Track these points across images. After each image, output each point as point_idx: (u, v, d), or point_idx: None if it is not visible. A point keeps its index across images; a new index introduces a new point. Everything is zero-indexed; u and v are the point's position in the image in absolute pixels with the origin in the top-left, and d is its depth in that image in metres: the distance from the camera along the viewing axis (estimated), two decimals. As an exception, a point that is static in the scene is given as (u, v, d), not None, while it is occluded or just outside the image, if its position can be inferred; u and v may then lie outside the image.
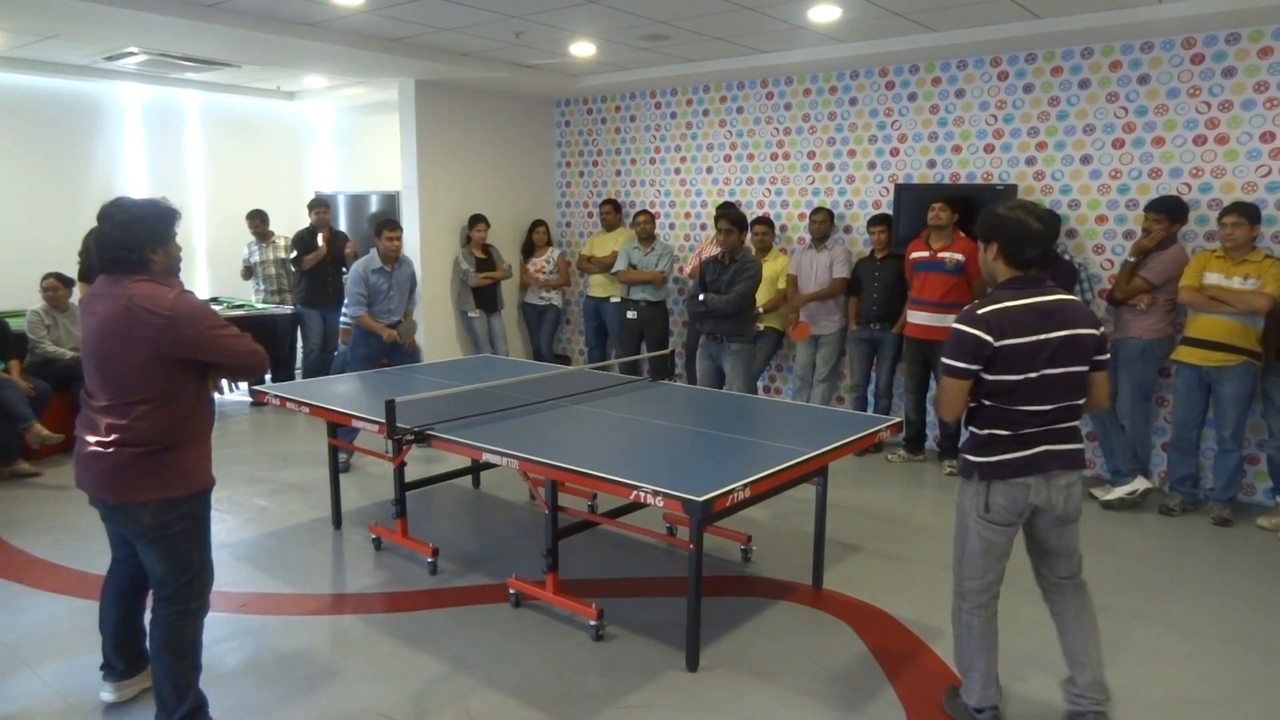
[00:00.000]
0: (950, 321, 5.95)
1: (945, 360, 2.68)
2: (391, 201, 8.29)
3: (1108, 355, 2.77)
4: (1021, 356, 2.59)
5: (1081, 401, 2.73)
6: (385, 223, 5.90)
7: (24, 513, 4.97)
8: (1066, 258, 5.51)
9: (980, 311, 2.63)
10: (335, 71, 7.32)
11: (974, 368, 2.62)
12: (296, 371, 7.98)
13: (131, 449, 2.58)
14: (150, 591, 2.81)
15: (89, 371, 2.66)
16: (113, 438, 2.58)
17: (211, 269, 8.88)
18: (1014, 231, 2.64)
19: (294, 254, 7.42)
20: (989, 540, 2.75)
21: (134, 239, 2.60)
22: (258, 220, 7.83)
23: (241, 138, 8.95)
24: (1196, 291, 4.80)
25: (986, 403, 2.68)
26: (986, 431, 2.70)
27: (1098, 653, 2.85)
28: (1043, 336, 2.60)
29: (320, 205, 7.41)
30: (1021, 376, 2.61)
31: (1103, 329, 2.73)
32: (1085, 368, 2.68)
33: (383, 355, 5.98)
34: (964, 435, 2.84)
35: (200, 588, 2.76)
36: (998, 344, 2.58)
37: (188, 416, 2.67)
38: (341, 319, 5.99)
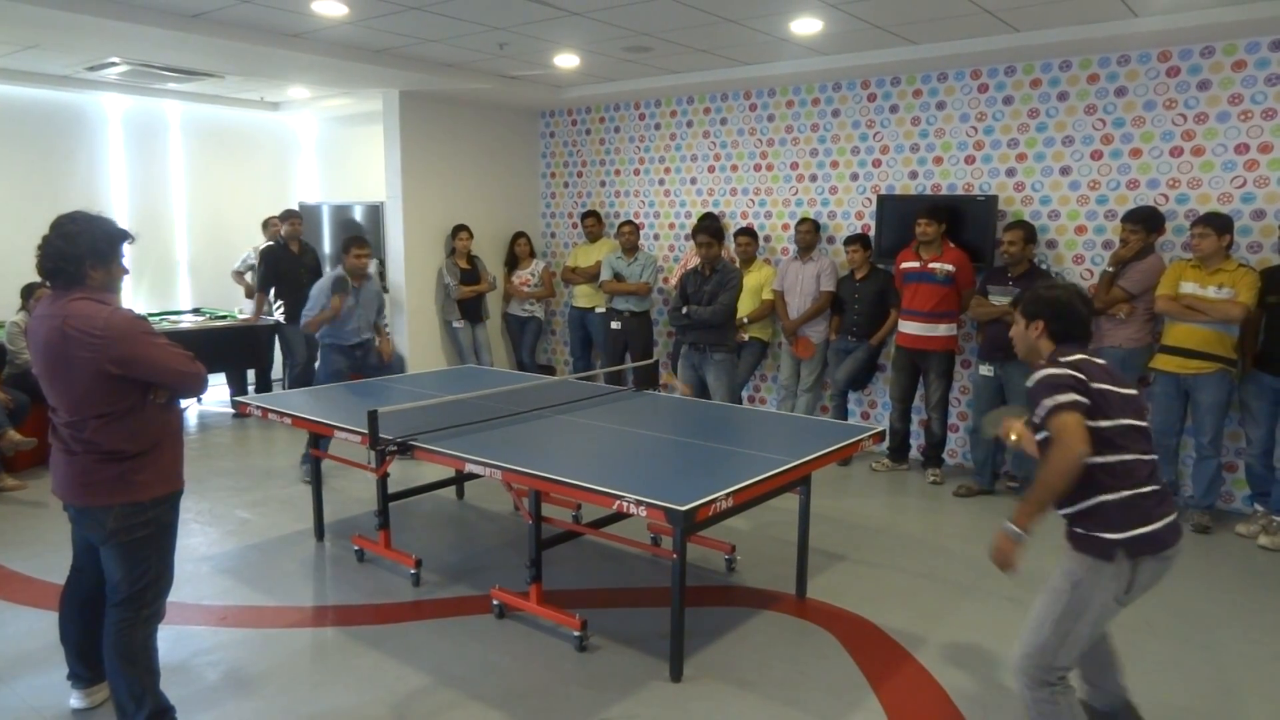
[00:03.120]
0: (941, 331, 6.04)
1: (1048, 403, 2.40)
2: (376, 212, 8.28)
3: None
4: (1118, 403, 2.45)
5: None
6: (353, 239, 5.71)
7: (2, 526, 4.91)
8: (1045, 268, 5.57)
9: (1062, 360, 2.50)
10: (319, 82, 7.32)
11: (1084, 400, 2.39)
12: (275, 383, 7.93)
13: (96, 456, 2.63)
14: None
15: (44, 391, 2.69)
16: (78, 448, 2.64)
17: (194, 280, 8.82)
18: (1061, 312, 2.59)
19: (259, 267, 7.32)
20: (1104, 621, 2.49)
21: (75, 251, 2.59)
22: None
23: (225, 148, 8.92)
24: (1173, 301, 4.86)
25: (1107, 459, 2.41)
26: (1123, 494, 2.40)
27: (1118, 664, 2.76)
28: (1119, 389, 2.48)
29: (293, 216, 7.37)
30: (1125, 422, 2.43)
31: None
32: (1146, 424, 2.54)
33: (352, 370, 5.76)
34: (1078, 510, 2.47)
35: (154, 595, 2.77)
36: (1095, 385, 2.42)
37: (149, 424, 2.69)
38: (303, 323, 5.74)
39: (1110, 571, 2.40)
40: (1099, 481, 2.41)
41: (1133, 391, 2.52)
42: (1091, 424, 2.39)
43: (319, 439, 4.66)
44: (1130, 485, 2.41)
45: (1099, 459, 2.40)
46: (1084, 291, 2.71)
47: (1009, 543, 2.46)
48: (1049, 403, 2.41)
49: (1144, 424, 2.49)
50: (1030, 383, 2.52)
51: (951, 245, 5.79)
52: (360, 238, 5.84)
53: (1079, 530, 2.46)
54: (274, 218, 7.78)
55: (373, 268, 8.36)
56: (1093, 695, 2.73)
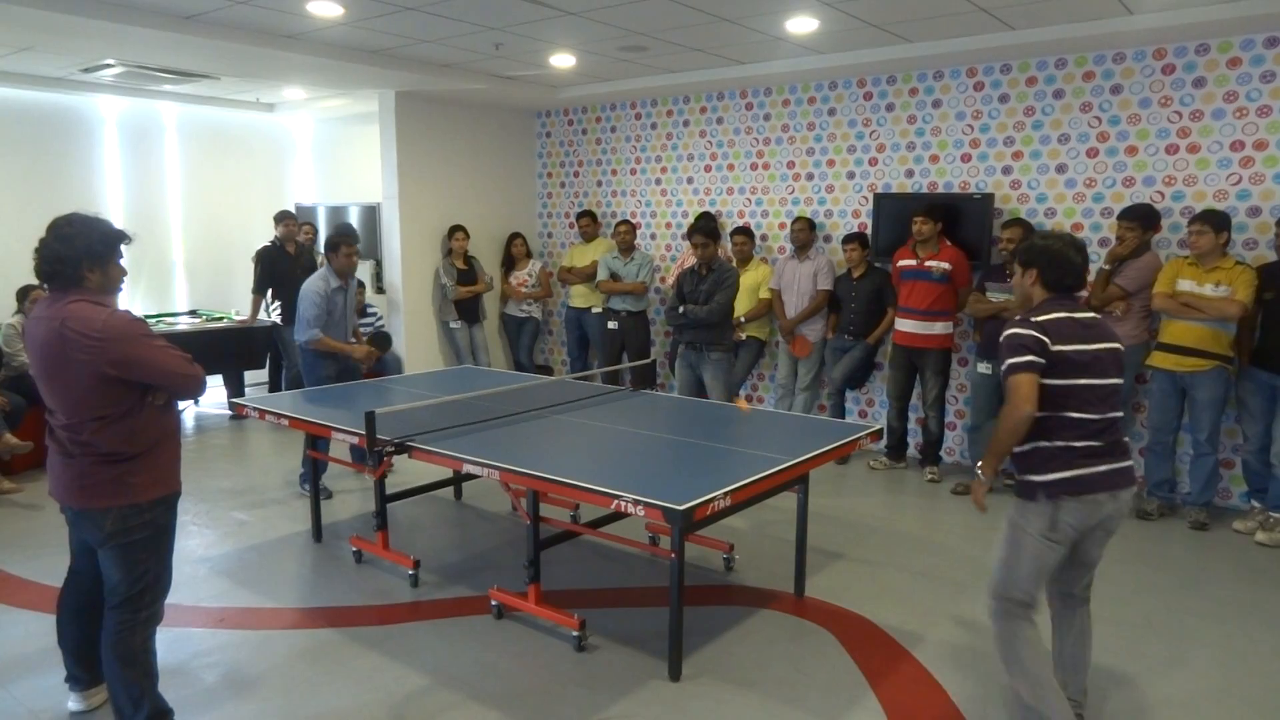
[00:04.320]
0: (937, 329, 6.06)
1: (1009, 361, 2.68)
2: (372, 213, 8.27)
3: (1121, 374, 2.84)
4: (1075, 365, 2.67)
5: (1122, 417, 2.78)
6: (345, 236, 5.41)
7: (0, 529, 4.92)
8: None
9: (1035, 319, 2.70)
10: (315, 83, 7.31)
11: (1040, 360, 2.63)
12: (263, 385, 7.93)
13: (94, 458, 2.63)
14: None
15: (42, 393, 2.68)
16: (76, 450, 2.63)
17: (190, 281, 8.81)
18: (1054, 260, 2.77)
19: (255, 269, 7.31)
20: (1045, 560, 2.74)
21: (71, 254, 2.59)
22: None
23: (220, 149, 8.90)
24: (1170, 298, 4.86)
25: (1048, 414, 2.67)
26: (1055, 444, 2.68)
27: (1087, 664, 2.95)
28: (1088, 347, 2.69)
29: (288, 218, 7.36)
30: (1081, 382, 2.66)
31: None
32: (1120, 380, 2.75)
33: (339, 378, 5.41)
34: (1020, 452, 2.75)
35: (152, 597, 2.77)
36: (1054, 348, 2.64)
37: (147, 425, 2.68)
38: (298, 341, 5.37)
39: (1034, 509, 2.71)
40: (1042, 429, 2.68)
41: (1106, 347, 2.72)
42: (1045, 381, 2.64)
43: (316, 440, 4.66)
44: (1068, 438, 2.67)
45: (1046, 413, 2.66)
46: (1078, 241, 2.85)
47: (977, 485, 2.87)
48: (1008, 361, 2.69)
49: (1107, 382, 2.70)
50: (1001, 336, 2.75)
51: (948, 243, 5.80)
52: (349, 235, 5.56)
53: (1017, 476, 2.79)
54: (291, 217, 7.60)
55: (368, 269, 8.41)
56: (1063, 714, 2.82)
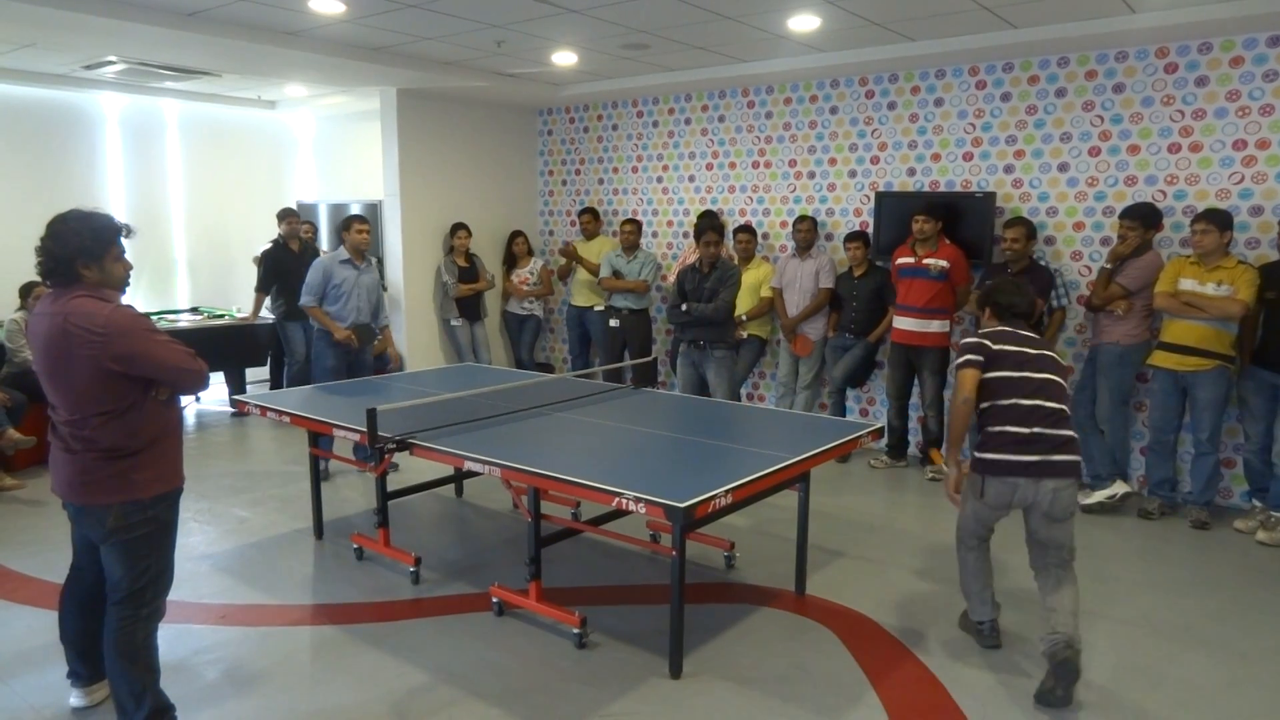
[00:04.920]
0: (935, 328, 6.08)
1: (956, 360, 3.40)
2: (374, 211, 8.27)
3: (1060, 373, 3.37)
4: (1011, 359, 3.29)
5: (1066, 410, 3.25)
6: (354, 216, 5.75)
7: (1, 525, 4.91)
8: (1043, 264, 5.57)
9: (981, 331, 3.48)
10: (316, 80, 7.31)
11: (978, 357, 3.30)
12: (264, 383, 7.93)
13: (96, 454, 2.62)
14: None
15: (45, 389, 2.68)
16: (78, 446, 2.63)
17: (192, 278, 8.82)
18: (994, 298, 3.52)
19: (259, 268, 7.32)
20: (981, 514, 3.40)
21: (64, 252, 2.58)
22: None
23: (222, 147, 8.91)
24: (1171, 297, 4.86)
25: (988, 404, 3.28)
26: (992, 429, 3.25)
27: (1072, 604, 3.20)
28: (1026, 349, 3.33)
29: (291, 215, 7.36)
30: (1015, 374, 3.25)
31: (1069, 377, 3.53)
32: (1061, 379, 3.30)
33: (347, 369, 5.70)
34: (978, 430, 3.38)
35: (154, 594, 2.77)
36: (994, 347, 3.32)
37: (149, 421, 2.68)
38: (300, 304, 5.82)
39: (973, 477, 3.34)
40: (985, 416, 3.30)
41: (1041, 352, 3.33)
42: (987, 375, 3.28)
43: (318, 437, 4.66)
44: (1003, 423, 3.22)
45: (988, 402, 3.28)
46: (1016, 282, 3.60)
47: (947, 477, 3.44)
48: (957, 360, 3.39)
49: (1039, 375, 3.25)
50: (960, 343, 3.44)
51: (946, 241, 5.79)
52: (360, 215, 5.88)
53: (970, 451, 3.39)
54: (294, 214, 7.61)
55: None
56: (980, 610, 3.55)
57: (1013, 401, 3.21)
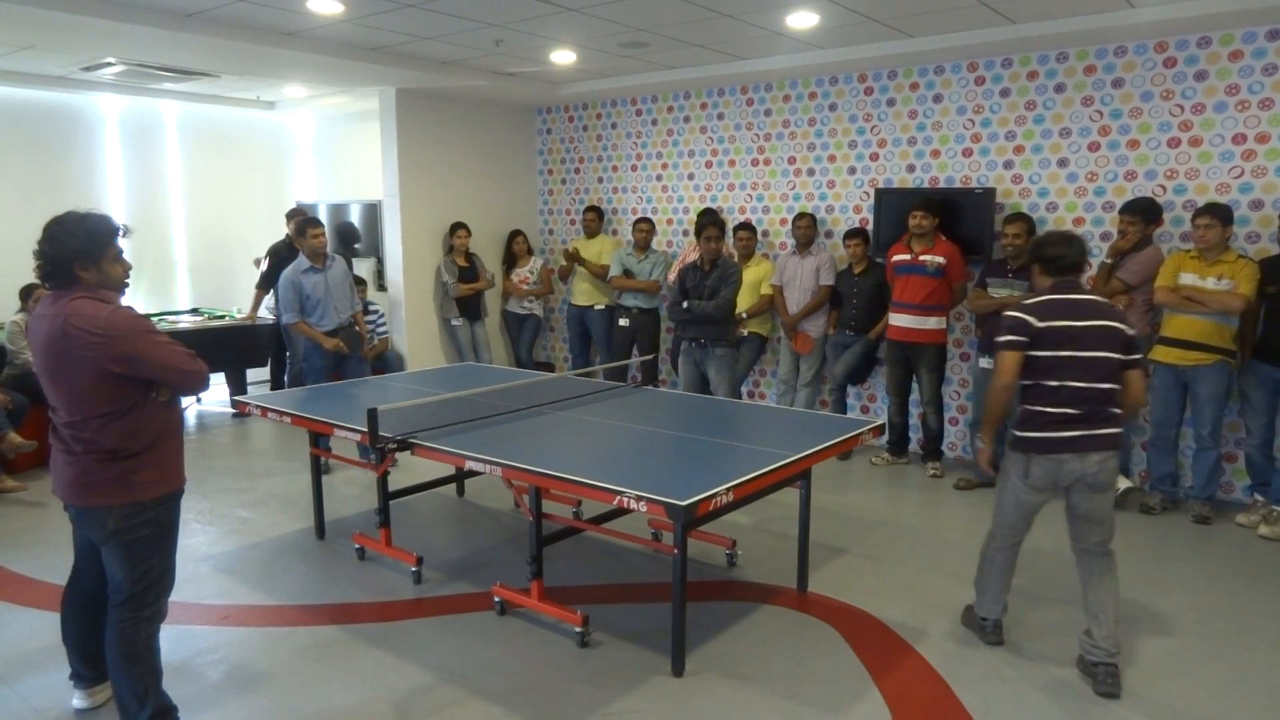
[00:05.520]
0: (931, 324, 6.06)
1: (996, 339, 3.22)
2: (373, 211, 8.27)
3: (1140, 355, 3.23)
4: (1059, 337, 3.11)
5: (1117, 388, 3.15)
6: (308, 221, 5.85)
7: (3, 527, 4.91)
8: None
9: (1025, 303, 3.23)
10: (315, 81, 7.30)
11: (1020, 339, 3.14)
12: (265, 384, 7.93)
13: (97, 455, 2.62)
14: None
15: (45, 391, 2.68)
16: (78, 447, 2.63)
17: (192, 279, 8.81)
18: (1043, 250, 3.29)
19: (266, 263, 7.32)
20: (1023, 500, 3.30)
21: (60, 255, 2.58)
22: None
23: (221, 148, 8.90)
24: (1172, 292, 4.85)
25: (1031, 382, 3.17)
26: (1034, 407, 3.16)
27: (1115, 611, 3.21)
28: (1077, 323, 3.12)
29: (300, 215, 7.36)
30: (1062, 354, 3.11)
31: (1134, 331, 3.21)
32: (1117, 355, 3.13)
33: (337, 365, 5.89)
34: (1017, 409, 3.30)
35: (156, 595, 2.77)
36: (1040, 325, 3.12)
37: (149, 422, 2.68)
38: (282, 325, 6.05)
39: (1014, 459, 3.26)
40: (1028, 394, 3.19)
41: (1098, 324, 3.13)
42: (1033, 353, 3.13)
43: (319, 437, 4.66)
44: (1045, 404, 3.13)
45: (1031, 381, 3.17)
46: (1068, 234, 3.33)
47: (981, 451, 3.44)
48: (996, 340, 3.23)
49: (1094, 355, 3.11)
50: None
51: (942, 238, 5.79)
52: (314, 218, 5.94)
53: (1010, 430, 3.29)
54: (301, 214, 7.60)
55: (369, 266, 8.41)
56: (991, 607, 3.52)
57: (1061, 383, 3.11)
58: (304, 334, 5.81)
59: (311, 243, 5.74)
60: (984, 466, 3.42)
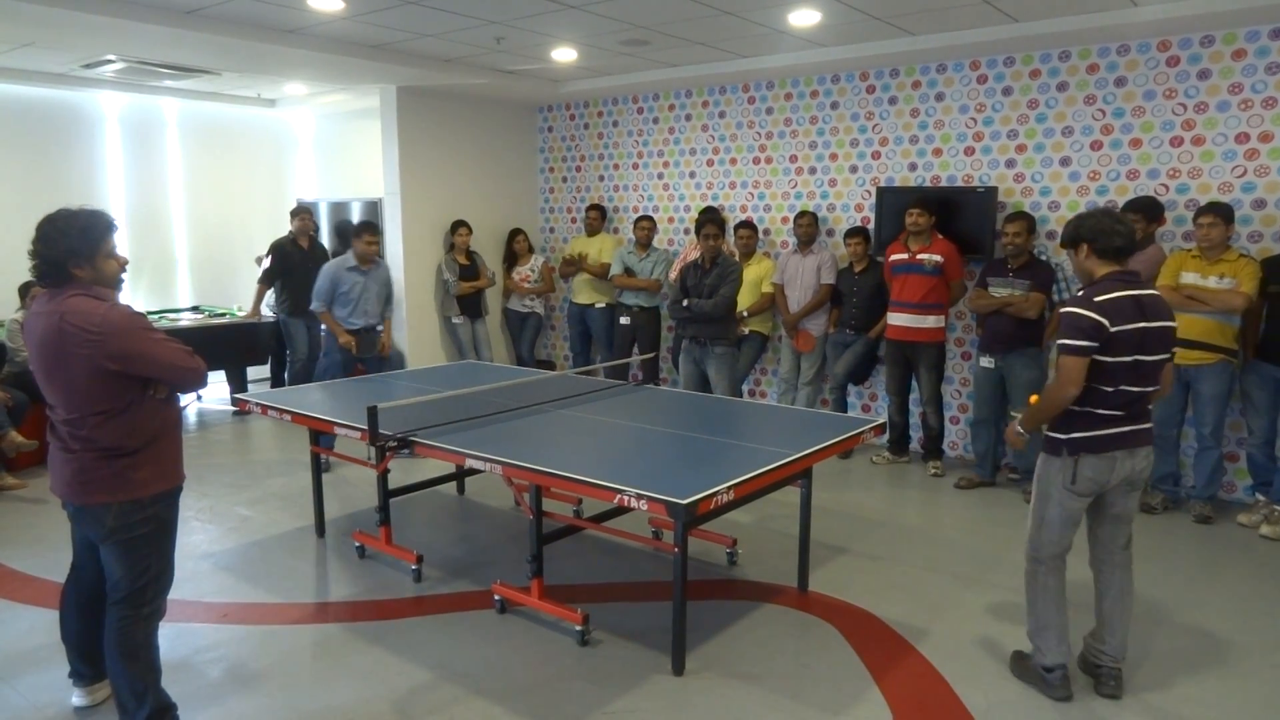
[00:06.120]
0: (930, 323, 6.04)
1: (1063, 341, 2.90)
2: (374, 208, 8.26)
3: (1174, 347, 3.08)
4: (1131, 340, 2.87)
5: (1158, 387, 3.02)
6: (364, 225, 6.11)
7: (2, 524, 4.91)
8: (1045, 259, 5.55)
9: (1097, 299, 2.88)
10: (316, 78, 7.30)
11: (1093, 344, 2.85)
12: (265, 381, 7.93)
13: (95, 453, 2.61)
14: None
15: (42, 389, 2.67)
16: (76, 445, 2.62)
17: (192, 277, 8.81)
18: (1097, 230, 2.97)
19: (268, 259, 7.32)
20: (1069, 509, 3.04)
21: (53, 254, 2.57)
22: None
23: (222, 145, 8.89)
24: (1173, 291, 4.84)
25: (1092, 385, 2.90)
26: (1084, 408, 2.93)
27: (1127, 619, 3.15)
28: (1148, 325, 2.89)
29: (303, 212, 7.36)
30: (1127, 359, 2.88)
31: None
32: (1167, 356, 2.99)
33: (358, 360, 6.13)
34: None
35: (154, 593, 2.76)
36: (1113, 329, 2.84)
37: (147, 420, 2.67)
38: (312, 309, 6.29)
39: (1057, 464, 3.00)
40: (1082, 396, 2.91)
41: (1159, 325, 2.91)
42: (1104, 358, 2.85)
43: (319, 435, 4.65)
44: (1096, 405, 2.92)
45: (1094, 384, 2.90)
46: (1113, 211, 3.12)
47: (1015, 436, 3.16)
48: (1063, 340, 2.90)
49: (1153, 358, 2.92)
50: (1063, 309, 2.95)
51: (940, 236, 5.78)
52: (372, 225, 6.28)
53: (1046, 433, 3.05)
54: (306, 212, 7.61)
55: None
56: (1056, 651, 3.13)
57: (1116, 388, 2.90)
58: (325, 323, 6.10)
59: (363, 248, 6.02)
60: (1012, 438, 3.18)
